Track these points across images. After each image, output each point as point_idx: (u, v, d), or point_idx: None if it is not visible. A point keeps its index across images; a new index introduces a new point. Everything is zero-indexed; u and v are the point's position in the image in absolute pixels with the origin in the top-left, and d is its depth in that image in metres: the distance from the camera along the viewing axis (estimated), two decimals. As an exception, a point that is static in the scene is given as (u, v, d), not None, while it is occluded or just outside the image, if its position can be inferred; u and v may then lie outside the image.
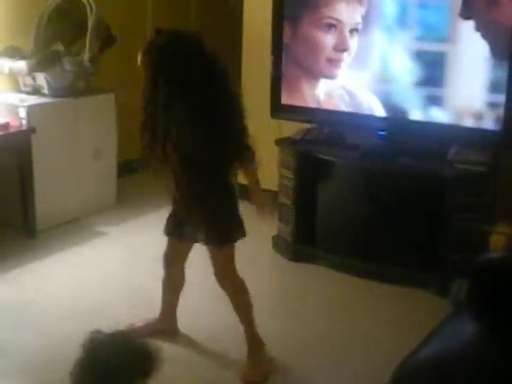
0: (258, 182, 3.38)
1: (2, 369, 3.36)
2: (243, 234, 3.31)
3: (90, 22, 4.82)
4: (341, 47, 4.28)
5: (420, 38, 4.15)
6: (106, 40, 5.03)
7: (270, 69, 4.61)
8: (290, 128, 4.70)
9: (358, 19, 4.20)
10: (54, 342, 3.54)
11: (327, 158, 4.38)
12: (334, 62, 4.33)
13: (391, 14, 4.18)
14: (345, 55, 4.29)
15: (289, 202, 4.59)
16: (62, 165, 4.94)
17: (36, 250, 4.60)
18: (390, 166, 4.20)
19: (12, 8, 4.89)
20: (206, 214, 3.20)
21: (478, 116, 4.03)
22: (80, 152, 5.06)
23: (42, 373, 3.30)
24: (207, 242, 3.26)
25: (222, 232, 3.24)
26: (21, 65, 4.77)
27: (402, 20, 4.17)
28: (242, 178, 5.56)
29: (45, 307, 3.90)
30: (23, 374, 3.32)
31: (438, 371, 2.29)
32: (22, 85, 4.99)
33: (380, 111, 4.30)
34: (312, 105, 4.51)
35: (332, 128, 4.58)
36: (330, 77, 4.38)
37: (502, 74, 3.88)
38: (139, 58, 3.06)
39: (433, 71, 4.13)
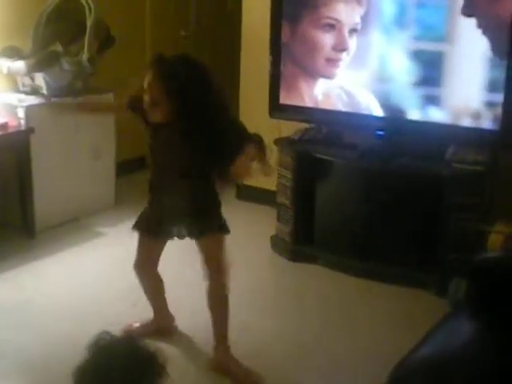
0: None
1: (1, 369, 3.36)
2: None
3: (89, 23, 4.81)
4: (340, 47, 4.28)
5: (418, 38, 4.16)
6: (104, 40, 5.03)
7: (268, 69, 4.61)
8: (289, 128, 4.70)
9: (357, 19, 4.21)
10: (53, 342, 3.55)
11: (325, 157, 4.39)
12: (332, 62, 4.34)
13: (389, 14, 4.18)
14: (344, 55, 4.29)
15: (287, 202, 4.60)
16: (61, 165, 4.95)
17: (35, 250, 4.60)
18: (388, 165, 4.21)
19: (10, 8, 4.89)
20: (201, 206, 3.24)
21: (476, 115, 4.03)
22: (79, 152, 5.06)
23: (41, 373, 3.31)
24: (203, 233, 3.27)
25: (220, 221, 3.30)
26: (19, 65, 4.77)
27: (399, 19, 4.18)
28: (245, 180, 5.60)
29: (43, 307, 3.90)
30: (22, 374, 3.32)
31: (435, 371, 2.30)
32: (20, 85, 4.99)
33: (378, 111, 4.31)
34: (310, 104, 4.51)
35: (330, 128, 4.59)
36: (329, 76, 4.39)
37: (500, 73, 3.88)
38: (148, 80, 3.01)
39: (431, 71, 4.13)
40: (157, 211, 3.33)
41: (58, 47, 4.89)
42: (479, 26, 3.87)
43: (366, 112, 4.36)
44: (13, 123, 4.60)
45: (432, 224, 4.13)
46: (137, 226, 3.40)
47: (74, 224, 5.03)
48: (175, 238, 3.35)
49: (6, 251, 4.53)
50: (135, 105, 3.16)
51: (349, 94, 4.39)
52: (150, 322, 3.62)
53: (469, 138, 4.09)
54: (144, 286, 3.54)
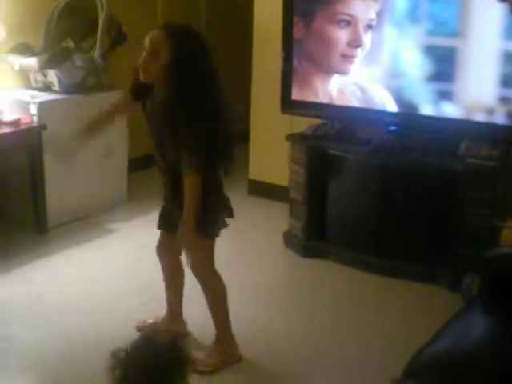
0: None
1: (13, 365, 3.37)
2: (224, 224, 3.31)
3: (101, 19, 4.83)
4: (355, 43, 4.26)
5: (431, 33, 4.14)
6: (116, 37, 5.04)
7: (280, 65, 4.60)
8: (301, 123, 4.69)
9: (373, 15, 4.18)
10: (64, 338, 3.55)
11: (338, 153, 4.38)
12: (347, 58, 4.32)
13: (402, 9, 4.17)
14: (358, 51, 4.27)
15: (300, 198, 4.58)
16: (73, 162, 4.95)
17: (47, 246, 4.62)
18: (400, 161, 4.19)
19: (22, 5, 4.90)
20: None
21: (489, 111, 4.01)
22: (91, 149, 5.05)
23: (53, 369, 3.31)
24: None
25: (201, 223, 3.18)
26: (32, 61, 4.78)
27: (412, 15, 4.16)
28: (253, 175, 5.61)
29: (55, 303, 3.91)
30: (33, 370, 3.33)
31: (449, 366, 2.29)
32: (32, 81, 5.01)
33: (391, 106, 4.29)
34: (323, 100, 4.49)
35: (343, 123, 4.57)
36: (344, 72, 4.37)
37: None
38: (149, 41, 3.03)
39: (444, 66, 4.11)
40: (164, 207, 3.36)
41: (70, 44, 4.91)
42: (510, 12, 3.79)
43: (378, 107, 4.35)
44: (25, 120, 4.62)
45: (445, 219, 4.11)
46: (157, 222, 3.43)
47: (86, 221, 5.04)
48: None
49: (19, 247, 4.54)
50: (136, 91, 3.21)
51: (362, 90, 4.37)
52: (162, 323, 3.58)
53: (482, 134, 4.06)
54: (163, 271, 3.52)
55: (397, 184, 4.22)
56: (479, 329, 2.48)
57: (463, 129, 4.14)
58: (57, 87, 4.90)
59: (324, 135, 4.54)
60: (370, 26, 4.21)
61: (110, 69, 5.05)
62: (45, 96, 4.84)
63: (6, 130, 4.50)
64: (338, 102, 4.46)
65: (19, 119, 4.58)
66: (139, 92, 3.21)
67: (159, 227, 3.42)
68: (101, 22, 4.83)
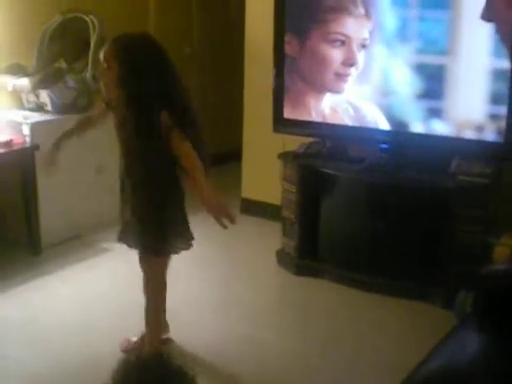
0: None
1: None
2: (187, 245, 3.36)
3: (93, 40, 4.84)
4: (349, 62, 4.27)
5: (420, 51, 4.17)
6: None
7: (272, 82, 4.63)
8: (293, 142, 4.71)
9: (366, 35, 4.21)
10: (59, 359, 3.54)
11: (330, 171, 4.39)
12: (341, 77, 4.33)
13: (391, 28, 4.20)
14: (352, 70, 4.29)
15: (292, 216, 4.59)
16: (66, 181, 4.94)
17: (40, 266, 4.61)
18: (392, 178, 4.21)
19: (15, 26, 4.91)
20: (147, 220, 3.24)
21: (479, 128, 4.03)
22: (83, 167, 5.07)
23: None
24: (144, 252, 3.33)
25: (151, 241, 3.27)
26: (24, 82, 4.79)
27: (402, 33, 4.19)
28: (246, 193, 5.62)
29: (49, 324, 3.90)
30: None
31: (444, 384, 2.29)
32: (25, 102, 5.02)
33: (383, 124, 4.31)
34: (315, 119, 4.51)
35: (335, 142, 4.59)
36: (337, 91, 4.38)
37: (504, 86, 3.88)
38: (102, 55, 3.15)
39: (434, 84, 4.13)
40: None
41: (62, 64, 4.93)
42: (497, 31, 3.82)
43: (370, 125, 4.36)
44: (18, 140, 4.62)
45: (437, 237, 4.12)
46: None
47: (80, 240, 5.04)
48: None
49: (12, 268, 4.53)
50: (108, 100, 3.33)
51: (354, 108, 4.39)
52: (140, 339, 3.61)
53: (473, 151, 4.09)
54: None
55: (389, 202, 4.23)
56: (473, 346, 2.48)
57: (454, 146, 4.15)
58: (49, 107, 4.91)
59: (316, 153, 4.55)
60: (363, 45, 4.23)
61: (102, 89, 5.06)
62: (37, 116, 4.85)
63: (-1, 150, 4.51)
64: (330, 120, 4.47)
65: (12, 140, 4.59)
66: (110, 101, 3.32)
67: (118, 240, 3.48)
68: (93, 42, 4.85)
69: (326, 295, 4.34)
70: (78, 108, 5.00)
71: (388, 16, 4.20)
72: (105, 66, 3.14)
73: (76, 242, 5.00)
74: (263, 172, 5.44)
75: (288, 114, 4.60)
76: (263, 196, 5.53)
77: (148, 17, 6.21)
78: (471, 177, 4.00)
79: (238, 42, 5.57)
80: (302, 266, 4.58)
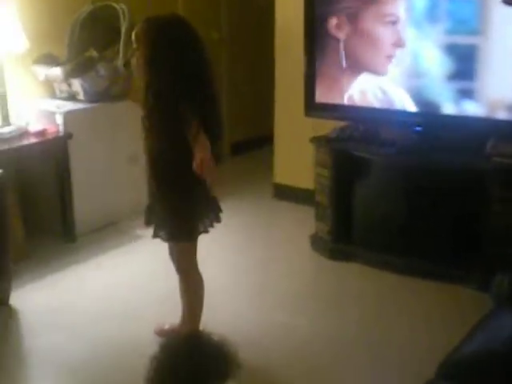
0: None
1: (45, 372, 3.41)
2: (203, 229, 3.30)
3: (123, 28, 4.86)
4: (398, 43, 4.23)
5: (450, 32, 4.12)
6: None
7: (303, 67, 4.61)
8: (324, 126, 4.69)
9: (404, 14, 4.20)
10: (96, 344, 3.58)
11: (363, 155, 4.37)
12: (390, 59, 4.29)
13: (421, 9, 4.15)
14: (398, 51, 4.27)
15: (325, 201, 4.58)
16: (99, 170, 4.99)
17: (76, 254, 4.66)
18: (426, 161, 4.18)
19: (46, 16, 4.94)
20: (169, 206, 3.22)
21: (513, 108, 3.99)
22: (116, 156, 5.10)
23: (85, 376, 3.33)
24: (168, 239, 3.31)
25: (183, 228, 3.23)
26: (56, 71, 4.83)
27: (431, 14, 4.14)
28: (278, 178, 5.62)
29: (85, 310, 3.94)
30: (65, 376, 3.36)
31: (481, 367, 2.28)
32: (57, 91, 5.06)
33: (414, 107, 4.28)
34: (347, 102, 4.49)
35: (367, 125, 4.56)
36: (384, 73, 4.33)
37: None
38: (134, 35, 3.12)
39: (465, 64, 4.08)
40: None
41: (94, 53, 4.95)
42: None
43: (402, 108, 4.33)
44: (51, 129, 4.66)
45: (473, 219, 4.09)
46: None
47: (114, 227, 5.08)
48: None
49: (48, 256, 4.59)
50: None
51: (385, 91, 4.36)
52: (178, 327, 3.59)
53: (507, 131, 4.04)
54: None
55: (423, 184, 4.20)
56: (510, 329, 2.46)
57: (488, 127, 4.11)
58: (81, 96, 4.94)
59: (349, 137, 4.52)
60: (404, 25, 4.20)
61: (134, 77, 5.08)
62: (70, 105, 4.88)
63: (33, 140, 4.55)
64: (360, 103, 4.45)
65: (45, 129, 4.63)
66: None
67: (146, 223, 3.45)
68: (123, 30, 4.87)
69: (360, 279, 4.33)
70: (110, 96, 5.03)
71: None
72: (135, 46, 3.12)
73: (110, 229, 5.04)
74: (295, 157, 5.43)
75: (320, 98, 4.57)
76: (295, 181, 5.52)
77: (177, 2, 6.21)
78: (507, 158, 3.95)
79: (268, 27, 5.55)
80: (336, 251, 4.57)
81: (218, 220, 3.32)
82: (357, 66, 4.42)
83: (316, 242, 4.71)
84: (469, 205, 4.11)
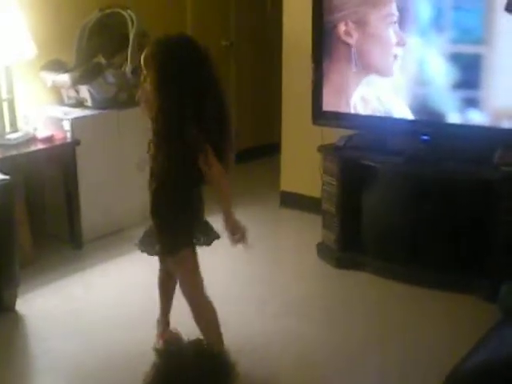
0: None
1: (52, 379, 3.41)
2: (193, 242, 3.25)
3: (132, 34, 4.87)
4: (401, 42, 4.25)
5: (455, 41, 4.12)
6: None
7: (310, 76, 4.61)
8: (331, 134, 4.69)
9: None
10: (103, 351, 3.58)
11: (371, 163, 4.36)
12: (396, 58, 4.30)
13: (426, 18, 4.16)
14: (400, 50, 4.28)
15: (333, 209, 4.58)
16: (106, 176, 4.99)
17: (82, 260, 4.66)
18: (434, 170, 4.17)
19: (54, 22, 4.95)
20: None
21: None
22: (124, 163, 5.10)
23: (95, 380, 3.34)
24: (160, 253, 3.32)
25: (170, 241, 3.20)
26: (64, 78, 4.84)
27: (437, 23, 4.15)
28: (285, 186, 5.61)
29: (92, 316, 3.94)
30: (77, 382, 3.36)
31: (490, 378, 2.26)
32: (65, 98, 5.06)
33: (422, 115, 4.28)
34: (354, 111, 4.49)
35: (374, 134, 4.56)
36: (391, 74, 4.34)
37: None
38: (142, 59, 3.05)
39: (470, 73, 4.08)
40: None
41: (102, 59, 4.96)
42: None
43: (410, 117, 4.33)
44: (59, 136, 4.67)
45: (481, 228, 4.08)
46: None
47: (120, 234, 5.07)
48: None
49: (55, 262, 4.59)
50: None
51: (392, 100, 4.36)
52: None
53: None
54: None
55: (431, 193, 4.19)
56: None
57: (496, 136, 4.10)
58: (89, 103, 4.95)
59: (356, 146, 4.53)
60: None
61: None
62: (77, 112, 4.89)
63: (41, 146, 4.56)
64: (367, 112, 4.46)
65: (53, 135, 4.64)
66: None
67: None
68: (131, 37, 4.88)
69: (367, 288, 4.32)
70: (118, 103, 5.03)
71: (421, 5, 4.16)
72: (144, 72, 3.04)
73: (117, 236, 5.04)
74: (302, 165, 5.42)
75: (327, 106, 4.58)
76: (302, 189, 5.51)
77: (186, 10, 6.22)
78: (515, 167, 3.95)
79: (276, 35, 5.56)
80: (343, 259, 4.56)
81: (209, 243, 3.28)
82: (365, 69, 4.42)
83: (322, 250, 4.70)
84: (476, 214, 4.10)
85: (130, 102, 5.08)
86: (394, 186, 4.38)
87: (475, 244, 4.12)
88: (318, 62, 4.55)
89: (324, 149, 4.63)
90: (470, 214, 4.13)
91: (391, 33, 4.27)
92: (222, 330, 3.45)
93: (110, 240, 4.97)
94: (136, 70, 4.89)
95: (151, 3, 5.56)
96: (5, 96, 4.65)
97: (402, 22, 4.22)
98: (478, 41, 4.08)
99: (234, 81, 6.77)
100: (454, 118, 4.19)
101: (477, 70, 4.06)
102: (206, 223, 3.30)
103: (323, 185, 4.65)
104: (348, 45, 4.44)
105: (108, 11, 5.04)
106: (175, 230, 3.17)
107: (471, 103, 4.13)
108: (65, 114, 4.81)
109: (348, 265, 4.53)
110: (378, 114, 4.43)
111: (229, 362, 2.23)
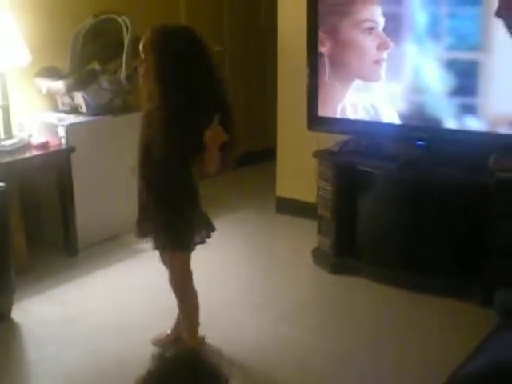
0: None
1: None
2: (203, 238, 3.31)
3: (126, 41, 4.86)
4: (384, 46, 4.26)
5: (452, 48, 4.13)
6: (141, 58, 5.07)
7: (306, 81, 4.61)
8: (327, 139, 4.69)
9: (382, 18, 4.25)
10: (100, 358, 3.58)
11: (366, 169, 4.37)
12: (378, 63, 4.32)
13: (422, 25, 4.16)
14: (385, 54, 4.28)
15: (328, 215, 4.58)
16: (102, 182, 4.98)
17: (78, 267, 4.65)
18: (429, 175, 4.18)
19: (48, 29, 4.94)
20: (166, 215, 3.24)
21: (514, 123, 4.00)
22: (119, 169, 5.09)
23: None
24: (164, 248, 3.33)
25: (179, 237, 3.26)
26: (58, 84, 4.83)
27: (433, 30, 4.15)
28: (281, 192, 5.61)
29: (88, 324, 3.93)
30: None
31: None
32: (60, 104, 5.06)
33: (417, 121, 4.28)
34: (349, 116, 4.49)
35: (370, 139, 4.56)
36: (377, 79, 4.36)
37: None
38: (141, 45, 3.14)
39: (467, 80, 4.09)
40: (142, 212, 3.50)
41: (96, 66, 4.95)
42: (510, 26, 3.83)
43: (405, 123, 4.33)
44: (54, 142, 4.67)
45: (476, 234, 4.08)
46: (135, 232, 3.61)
47: (115, 241, 5.06)
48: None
49: (50, 269, 4.58)
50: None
51: (387, 106, 4.37)
52: (171, 332, 3.67)
53: (510, 146, 4.04)
54: None
55: (426, 199, 4.20)
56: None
57: (490, 142, 4.11)
58: (84, 109, 4.94)
59: (351, 151, 4.53)
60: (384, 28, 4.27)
61: (136, 90, 5.08)
62: (72, 118, 4.88)
63: (36, 152, 4.56)
64: (362, 117, 4.47)
65: (48, 142, 4.63)
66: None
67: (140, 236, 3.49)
68: (126, 43, 4.87)
69: (363, 294, 4.32)
70: (112, 109, 5.03)
71: (418, 12, 4.17)
72: (142, 56, 3.12)
73: (112, 242, 5.03)
74: (298, 170, 5.42)
75: (322, 111, 4.58)
76: (298, 194, 5.51)
77: (179, 15, 6.22)
78: (510, 173, 3.95)
79: (270, 41, 5.56)
80: (338, 265, 4.56)
81: (209, 235, 3.32)
82: (347, 77, 4.45)
83: (318, 255, 4.70)
84: (472, 219, 4.10)
85: (125, 108, 5.10)
86: (389, 192, 4.38)
87: (471, 249, 4.12)
88: (312, 67, 4.56)
89: (319, 154, 4.63)
90: (466, 220, 4.13)
91: (368, 38, 4.28)
92: (217, 334, 3.47)
93: (106, 246, 4.96)
94: (130, 77, 4.89)
95: (145, 9, 5.55)
96: (-1, 103, 4.64)
97: (387, 27, 4.24)
98: (475, 47, 4.08)
99: (227, 86, 6.76)
100: (450, 123, 4.19)
101: (474, 76, 4.07)
102: (205, 213, 3.33)
103: (318, 190, 4.65)
104: (322, 54, 4.50)
105: (102, 17, 5.03)
106: (182, 228, 3.23)
107: (467, 109, 4.13)
108: (59, 120, 4.80)
109: (343, 270, 4.53)
110: (373, 120, 4.43)
111: (222, 375, 2.22)
